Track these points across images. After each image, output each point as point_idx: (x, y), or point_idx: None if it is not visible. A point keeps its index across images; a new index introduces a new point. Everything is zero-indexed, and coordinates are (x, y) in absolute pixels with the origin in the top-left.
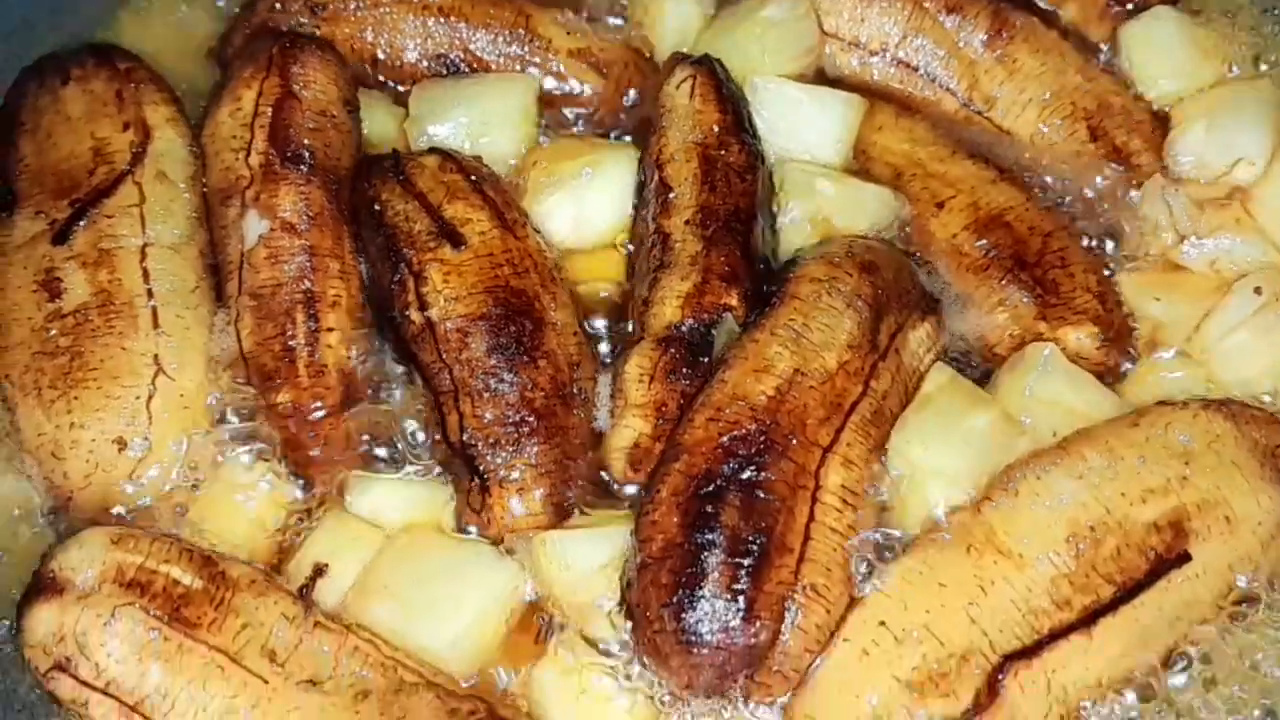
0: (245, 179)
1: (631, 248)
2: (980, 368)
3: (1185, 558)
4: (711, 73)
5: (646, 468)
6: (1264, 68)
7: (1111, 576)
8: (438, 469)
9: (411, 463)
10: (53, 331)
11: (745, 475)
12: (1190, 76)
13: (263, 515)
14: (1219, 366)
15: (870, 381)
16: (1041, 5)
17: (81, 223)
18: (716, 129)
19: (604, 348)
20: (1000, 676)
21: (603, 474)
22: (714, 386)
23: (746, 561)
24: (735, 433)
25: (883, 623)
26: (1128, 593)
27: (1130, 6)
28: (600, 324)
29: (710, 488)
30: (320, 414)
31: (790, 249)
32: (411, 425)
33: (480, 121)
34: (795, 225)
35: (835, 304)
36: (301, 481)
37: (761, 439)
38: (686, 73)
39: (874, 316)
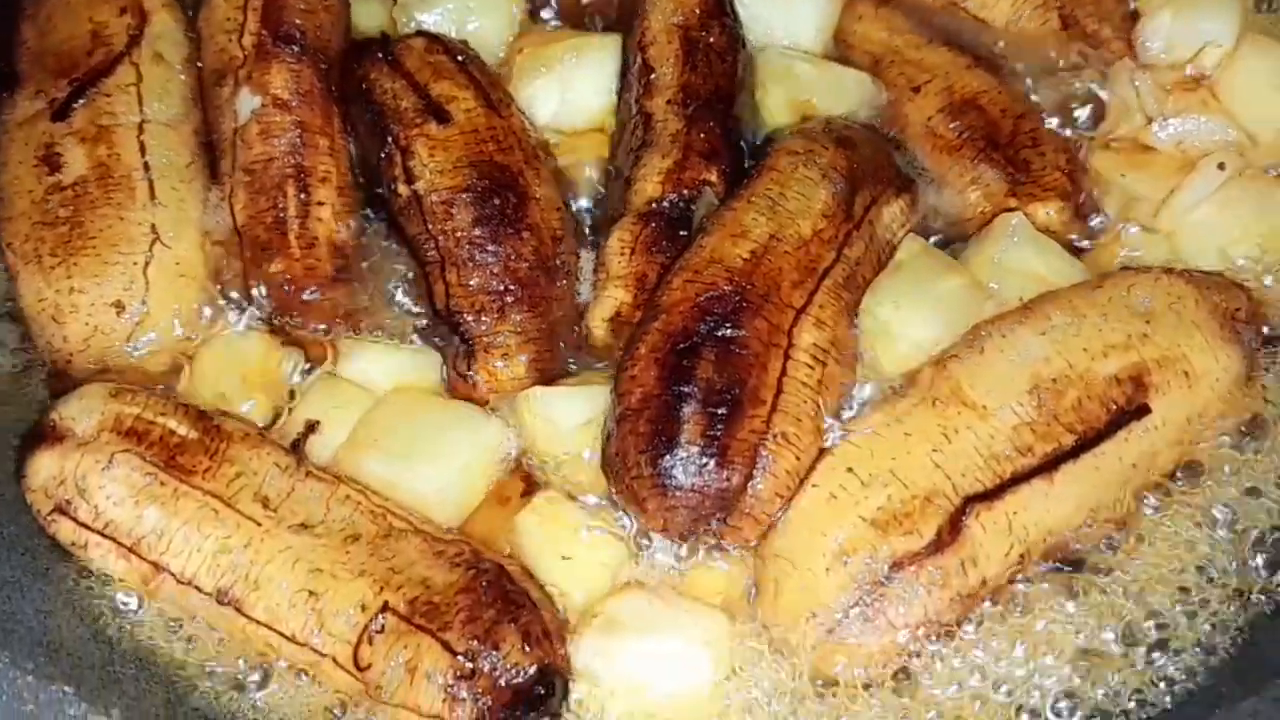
0: (238, 59)
1: (615, 131)
2: (953, 243)
3: (1145, 410)
4: None
5: (626, 335)
6: None
7: (1073, 426)
8: (426, 336)
9: (400, 330)
10: (52, 203)
11: (721, 332)
12: None
13: (256, 381)
14: (1183, 239)
15: (844, 249)
16: None
17: (80, 101)
18: (698, 11)
19: (588, 227)
20: (963, 517)
21: (586, 341)
22: (692, 251)
23: (720, 411)
24: (712, 293)
25: (850, 469)
26: (1088, 441)
27: None
28: (584, 204)
29: (687, 344)
30: (312, 283)
31: (770, 127)
32: (400, 294)
33: (466, 8)
34: (775, 108)
35: (811, 175)
36: (294, 348)
37: (737, 299)
38: None
39: (849, 188)
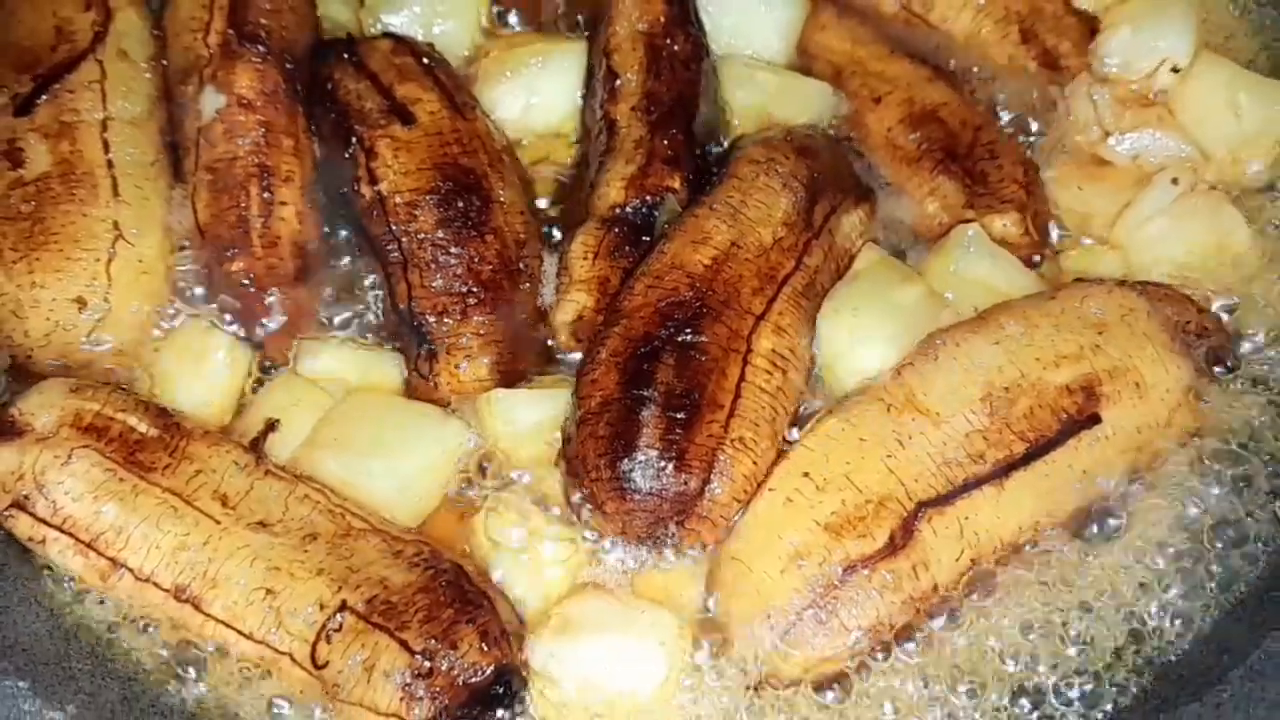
0: (204, 58)
1: (579, 136)
2: (911, 253)
3: (1095, 419)
4: None
5: (589, 339)
6: None
7: (1024, 434)
8: (388, 336)
9: (362, 331)
10: (14, 198)
11: (680, 337)
12: None
13: (217, 379)
14: (1137, 252)
15: (803, 257)
16: None
17: (44, 97)
18: (663, 19)
19: (552, 231)
20: (915, 522)
21: (548, 346)
22: (654, 257)
23: (679, 415)
24: (673, 299)
25: (806, 473)
26: (1039, 449)
27: None
28: (548, 208)
29: (647, 348)
30: (273, 282)
31: (732, 136)
32: (362, 294)
33: (433, 11)
34: (737, 116)
35: (772, 183)
36: (255, 347)
37: (697, 304)
38: None
39: (809, 197)
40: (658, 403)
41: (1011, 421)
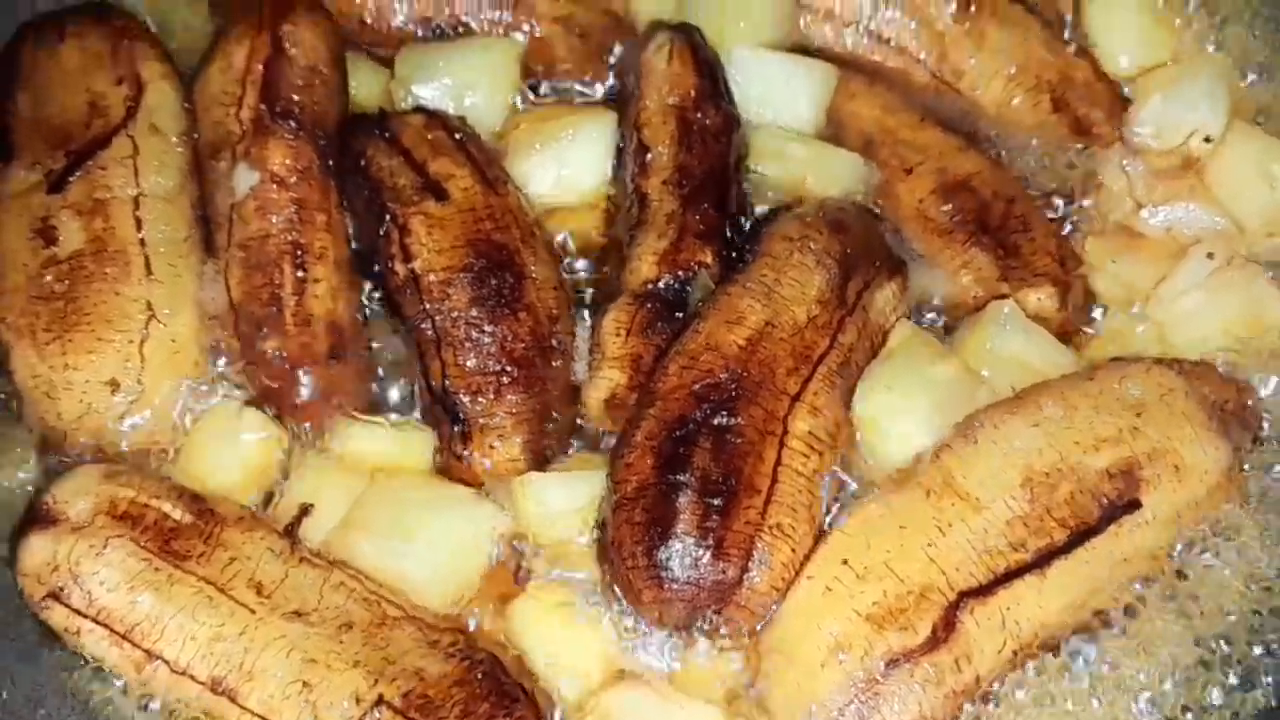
0: (236, 133)
1: (611, 207)
2: (945, 327)
3: (1136, 504)
4: (689, 38)
5: (623, 417)
6: (1219, 44)
7: (1065, 521)
8: (420, 416)
9: (395, 409)
10: (48, 277)
11: (716, 420)
12: (1150, 51)
13: (250, 458)
14: (1172, 327)
15: (838, 335)
16: None
17: (76, 173)
18: (693, 93)
19: (583, 305)
20: (956, 612)
21: (580, 424)
22: (688, 336)
23: (716, 501)
24: (708, 380)
25: (845, 561)
26: (1080, 536)
27: None
28: (579, 279)
29: (683, 431)
30: (307, 361)
31: (763, 208)
32: (395, 372)
33: (464, 84)
34: (769, 188)
35: (806, 261)
36: (287, 427)
37: (732, 386)
38: (665, 38)
39: (842, 274)
40: (694, 488)
41: (1052, 508)
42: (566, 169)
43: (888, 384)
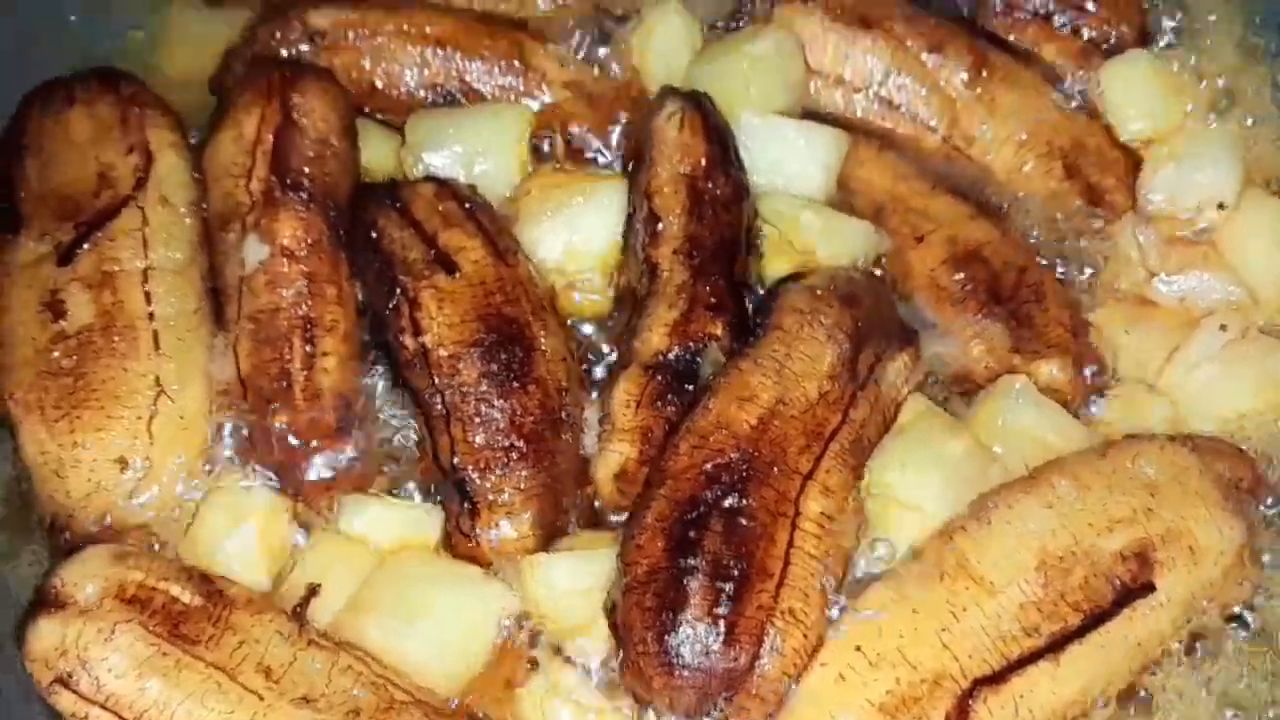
0: (245, 205)
1: (620, 275)
2: (956, 397)
3: (1150, 588)
4: (699, 106)
5: (633, 492)
6: (1233, 109)
7: (1079, 605)
8: (429, 491)
9: (403, 485)
10: (56, 352)
11: (728, 502)
12: (1163, 117)
13: (257, 535)
14: (1186, 400)
15: (849, 411)
16: (1020, 45)
17: (85, 245)
18: (704, 161)
19: (592, 374)
20: (970, 701)
21: (590, 497)
22: (699, 414)
23: (728, 587)
24: (718, 460)
25: (858, 647)
26: (1094, 620)
27: (1106, 47)
28: (589, 350)
29: (694, 513)
30: (315, 436)
31: (773, 278)
32: (404, 448)
33: (474, 150)
34: (779, 256)
35: (817, 335)
36: (295, 503)
37: (744, 466)
38: (675, 106)
39: (854, 348)
40: (705, 572)
41: (1066, 592)
42: (577, 236)
43: (900, 462)
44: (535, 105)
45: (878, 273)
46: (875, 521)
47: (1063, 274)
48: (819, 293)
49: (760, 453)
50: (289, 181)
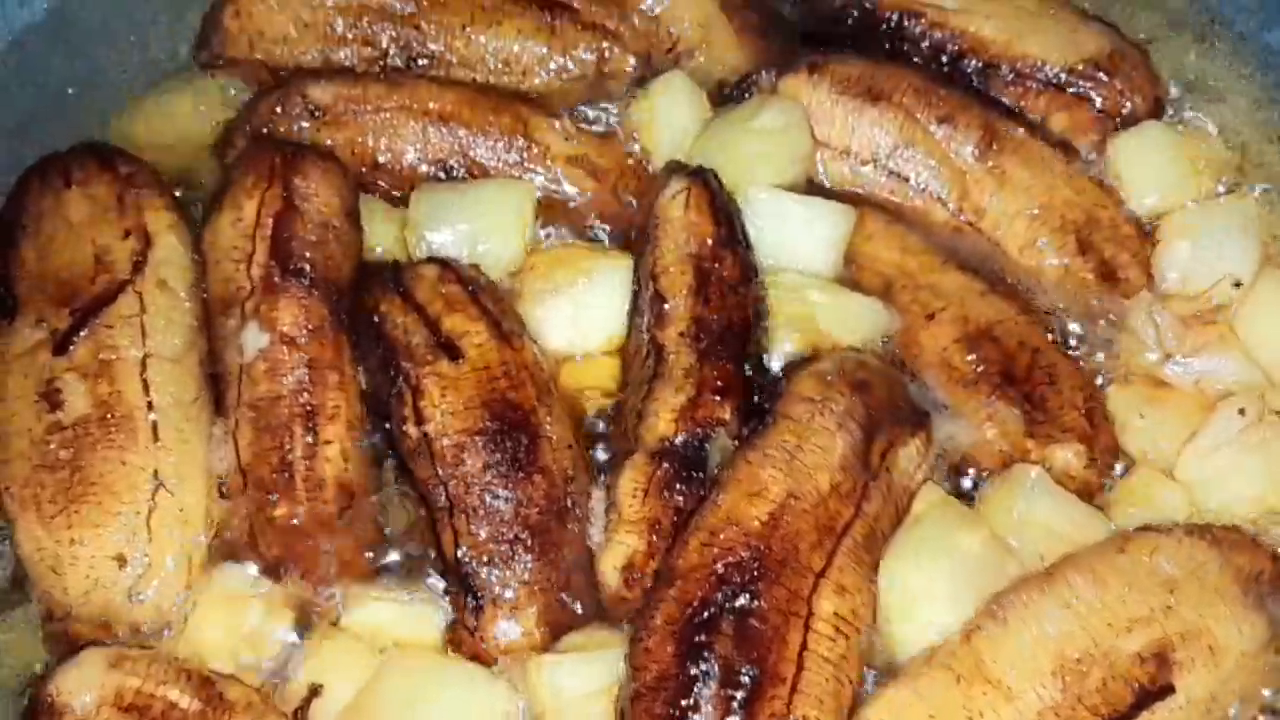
0: (245, 290)
1: (626, 354)
2: (968, 478)
3: (1169, 689)
4: (706, 185)
5: (640, 585)
6: (1249, 183)
7: (1097, 709)
8: (432, 585)
9: (407, 579)
10: (53, 444)
11: (739, 603)
12: (1177, 191)
13: (258, 631)
14: (1203, 488)
15: (862, 503)
16: (1031, 115)
17: (82, 332)
18: (710, 241)
19: (598, 456)
20: None
21: (598, 591)
22: (707, 509)
23: (739, 695)
24: (729, 559)
25: None
26: None
27: (1119, 118)
28: (595, 432)
29: (704, 616)
30: (316, 528)
31: (781, 356)
32: (406, 540)
33: (478, 228)
34: (787, 335)
35: (828, 424)
36: (297, 597)
37: (755, 565)
38: (681, 185)
39: (865, 437)
40: (716, 679)
41: (1084, 695)
42: (581, 314)
43: (915, 559)
44: (540, 179)
45: (886, 351)
46: (890, 621)
47: (1075, 351)
48: (829, 379)
49: (772, 550)
50: (290, 267)
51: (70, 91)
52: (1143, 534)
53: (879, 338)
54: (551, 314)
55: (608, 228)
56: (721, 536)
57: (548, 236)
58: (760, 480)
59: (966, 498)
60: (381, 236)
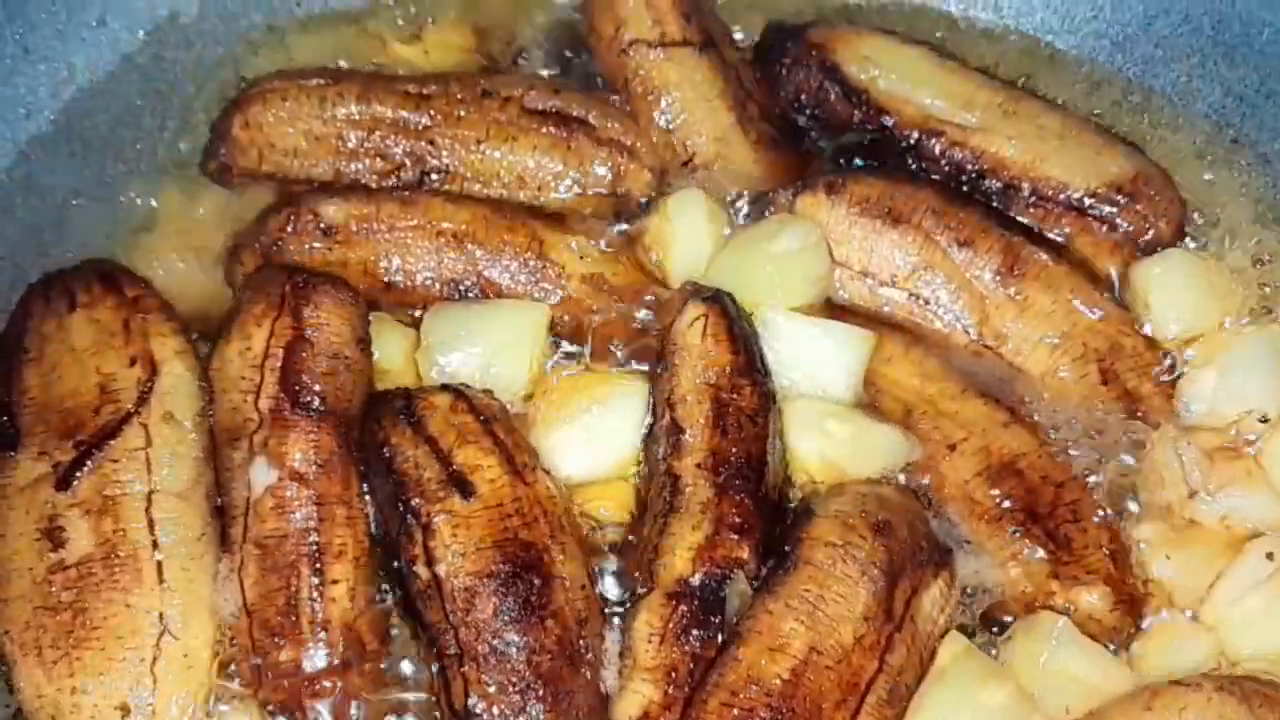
0: (254, 422)
1: (640, 484)
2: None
3: None
4: (723, 312)
5: None
6: (1275, 311)
7: None
8: None
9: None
10: (55, 585)
11: None
12: (1202, 320)
13: None
14: (1230, 634)
15: (886, 656)
16: (1053, 239)
17: (86, 466)
18: (728, 370)
19: (612, 590)
20: None
21: None
22: (727, 664)
23: None
24: None
25: None
26: None
27: (1142, 242)
28: (609, 564)
29: None
30: (323, 673)
31: (799, 484)
32: (415, 680)
33: (492, 351)
34: (805, 466)
35: (850, 572)
36: None
37: None
38: (698, 311)
39: (889, 584)
40: None
41: None
42: (595, 440)
43: (940, 713)
44: (555, 299)
45: (906, 481)
46: None
47: (1098, 483)
48: (850, 522)
49: (794, 712)
50: (300, 400)
51: (75, 203)
52: (1171, 689)
53: (898, 467)
54: (565, 441)
55: (623, 345)
56: (741, 696)
57: (563, 356)
58: (782, 633)
59: (984, 631)
60: (392, 356)
